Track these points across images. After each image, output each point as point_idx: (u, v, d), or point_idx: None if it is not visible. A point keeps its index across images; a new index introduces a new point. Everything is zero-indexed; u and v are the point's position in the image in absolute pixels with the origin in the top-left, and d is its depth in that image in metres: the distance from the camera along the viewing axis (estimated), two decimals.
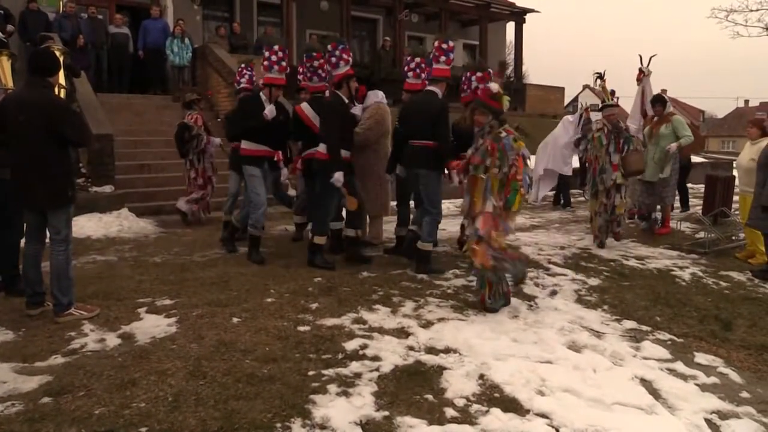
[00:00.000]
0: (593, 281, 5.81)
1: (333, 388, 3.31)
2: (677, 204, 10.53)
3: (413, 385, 3.39)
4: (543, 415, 3.15)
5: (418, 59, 6.34)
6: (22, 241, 4.58)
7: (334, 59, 5.93)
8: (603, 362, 3.84)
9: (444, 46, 5.90)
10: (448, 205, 9.06)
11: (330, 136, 5.70)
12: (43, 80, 4.26)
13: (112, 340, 3.95)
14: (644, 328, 4.58)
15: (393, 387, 3.36)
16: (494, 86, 4.78)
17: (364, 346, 3.90)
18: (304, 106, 6.28)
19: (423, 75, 6.41)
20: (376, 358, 3.73)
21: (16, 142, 4.15)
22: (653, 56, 8.64)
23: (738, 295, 5.58)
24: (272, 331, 4.11)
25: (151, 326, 4.19)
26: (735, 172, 8.68)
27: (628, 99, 10.56)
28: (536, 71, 61.59)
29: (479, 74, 6.28)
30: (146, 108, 12.10)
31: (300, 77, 7.04)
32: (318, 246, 5.90)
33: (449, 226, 8.07)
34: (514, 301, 5.01)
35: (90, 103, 9.30)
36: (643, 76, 8.67)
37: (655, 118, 8.16)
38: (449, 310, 4.67)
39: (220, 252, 6.55)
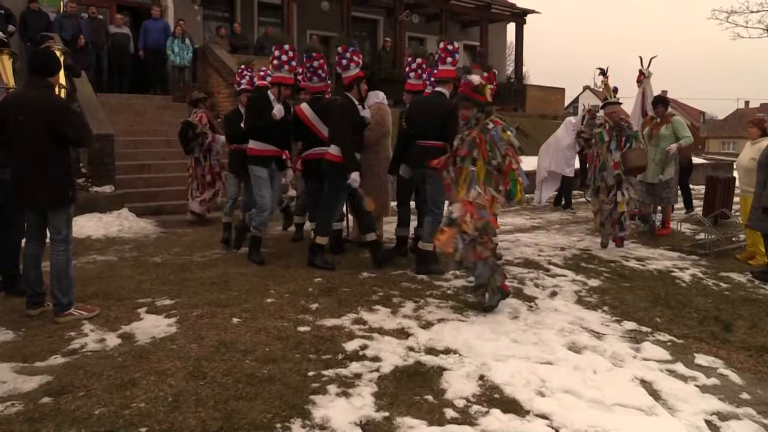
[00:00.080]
0: (593, 282, 5.81)
1: (333, 388, 3.31)
2: (681, 205, 10.54)
3: (413, 386, 3.39)
4: (543, 416, 3.14)
5: (419, 60, 6.35)
6: (23, 242, 4.58)
7: (344, 61, 5.94)
8: (603, 363, 3.84)
9: (449, 47, 5.95)
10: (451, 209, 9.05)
11: (343, 138, 5.70)
12: (44, 80, 4.26)
13: (112, 340, 3.95)
14: (644, 329, 4.58)
15: (393, 388, 3.36)
16: (475, 78, 4.73)
17: (364, 347, 3.90)
18: (304, 107, 6.28)
19: (424, 75, 6.42)
20: (376, 359, 3.73)
21: (16, 142, 4.15)
22: (653, 58, 8.65)
23: (738, 296, 5.58)
24: (272, 332, 4.10)
25: (151, 326, 4.19)
26: (735, 173, 8.69)
27: (628, 100, 10.56)
28: (537, 72, 61.66)
29: (484, 74, 6.29)
30: (146, 108, 12.10)
31: (300, 77, 7.05)
32: (319, 246, 5.90)
33: None
34: (514, 302, 5.01)
35: (90, 103, 9.30)
36: (643, 77, 8.68)
37: (654, 120, 8.16)
38: (449, 310, 4.67)
39: (220, 252, 6.55)
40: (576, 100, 51.20)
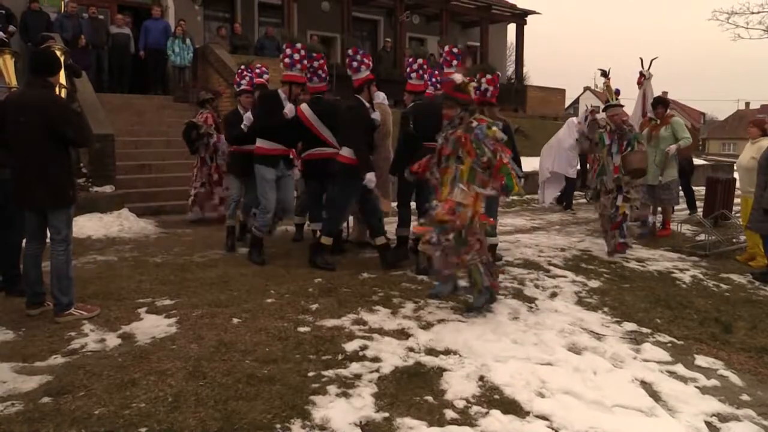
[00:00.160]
0: (593, 283, 5.81)
1: (333, 389, 3.31)
2: (684, 206, 10.54)
3: (413, 387, 3.39)
4: (543, 417, 3.14)
5: (420, 60, 6.36)
6: (23, 242, 4.58)
7: (355, 63, 5.96)
8: (603, 364, 3.83)
9: (454, 50, 6.02)
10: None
11: (357, 140, 5.71)
12: (44, 80, 4.26)
13: (112, 340, 3.95)
14: (644, 330, 4.58)
15: (393, 388, 3.36)
16: (457, 77, 4.68)
17: (364, 347, 3.90)
18: (304, 107, 6.28)
19: (426, 76, 6.42)
20: (376, 359, 3.73)
21: (16, 142, 4.15)
22: (654, 59, 8.65)
23: (738, 297, 5.58)
24: (272, 332, 4.10)
25: (151, 326, 4.19)
26: (736, 174, 8.69)
27: (629, 101, 10.55)
28: (537, 73, 61.70)
29: (488, 76, 6.30)
30: (147, 108, 12.11)
31: None
32: (322, 246, 5.90)
33: None
34: (514, 302, 5.01)
35: (91, 103, 9.31)
36: (644, 79, 8.67)
37: (653, 121, 8.15)
38: (449, 311, 4.66)
39: (221, 252, 6.55)
40: (576, 101, 51.23)
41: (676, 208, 9.45)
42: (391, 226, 7.20)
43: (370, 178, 5.59)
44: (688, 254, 7.25)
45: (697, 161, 13.99)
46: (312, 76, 6.52)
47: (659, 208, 8.42)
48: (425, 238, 4.57)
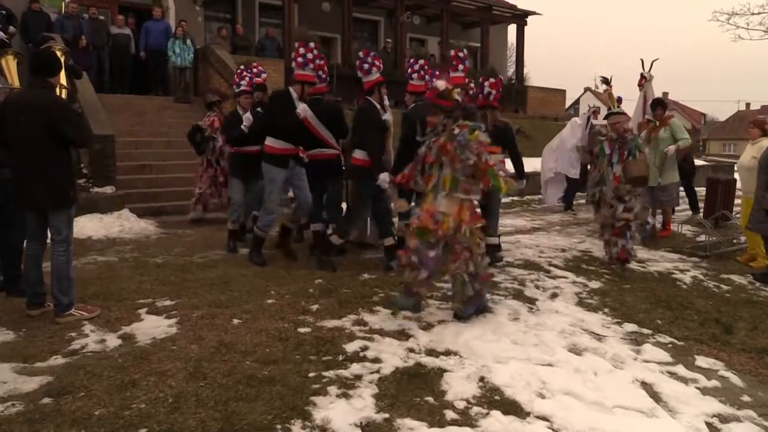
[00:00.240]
0: (594, 284, 5.81)
1: (333, 389, 3.31)
2: (685, 207, 10.54)
3: (413, 387, 3.39)
4: (543, 418, 3.14)
5: (421, 61, 6.36)
6: (24, 242, 4.58)
7: (366, 65, 5.96)
8: (604, 365, 3.83)
9: (460, 54, 6.06)
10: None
11: (369, 142, 5.71)
12: (45, 81, 4.27)
13: (113, 340, 3.95)
14: (645, 331, 4.58)
15: (393, 389, 3.36)
16: (440, 84, 4.63)
17: (365, 348, 3.90)
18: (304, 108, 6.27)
19: (427, 77, 6.43)
20: (376, 360, 3.73)
21: (16, 142, 4.15)
22: (655, 61, 8.64)
23: (739, 298, 5.57)
24: (273, 333, 4.10)
25: (152, 327, 4.19)
26: (736, 175, 8.68)
27: (629, 102, 10.54)
28: (537, 73, 61.64)
29: (491, 80, 6.34)
30: (147, 109, 12.10)
31: None
32: (331, 245, 5.90)
33: None
34: (514, 303, 5.01)
35: (91, 104, 9.31)
36: (644, 81, 8.65)
37: (651, 123, 8.14)
38: (450, 312, 4.65)
39: (221, 253, 6.55)
40: (577, 102, 51.27)
41: (677, 208, 9.45)
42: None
43: (384, 178, 5.59)
44: (689, 255, 7.25)
45: (697, 162, 13.98)
46: None
47: (659, 210, 8.41)
48: (404, 260, 4.45)
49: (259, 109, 6.52)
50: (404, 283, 4.53)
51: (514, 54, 22.01)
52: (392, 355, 3.80)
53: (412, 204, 6.44)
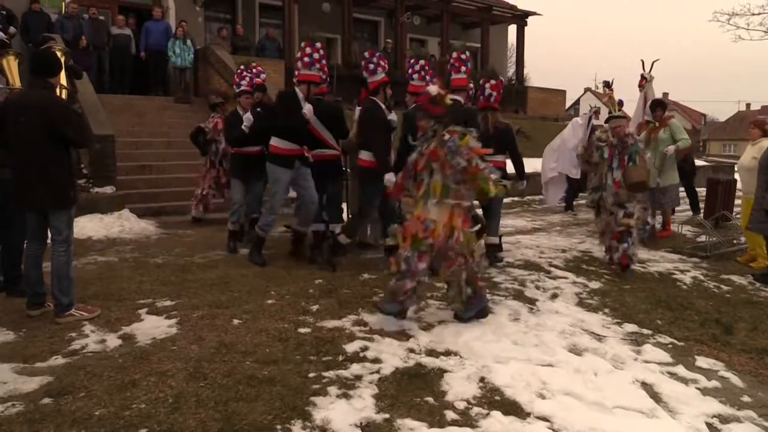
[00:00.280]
0: (594, 284, 5.81)
1: (333, 390, 3.31)
2: (686, 207, 10.53)
3: (414, 388, 3.39)
4: (544, 419, 3.14)
5: (422, 61, 6.37)
6: (24, 242, 4.58)
7: (371, 66, 5.97)
8: (604, 365, 3.83)
9: (463, 56, 6.08)
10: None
11: (374, 143, 5.72)
12: (45, 81, 4.27)
13: (113, 341, 3.95)
14: (645, 331, 4.58)
15: (393, 389, 3.36)
16: (433, 89, 4.59)
17: (365, 348, 3.90)
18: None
19: (428, 77, 6.44)
20: (376, 361, 3.73)
21: (16, 142, 4.16)
22: (655, 61, 8.62)
23: (739, 298, 5.57)
24: (273, 333, 4.10)
25: (152, 327, 4.19)
26: (737, 176, 8.67)
27: (630, 103, 10.54)
28: (538, 74, 61.74)
29: (492, 82, 6.36)
30: (148, 109, 12.11)
31: (295, 80, 7.02)
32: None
33: None
34: (515, 303, 5.01)
35: (92, 104, 9.31)
36: (645, 82, 8.64)
37: (650, 124, 8.13)
38: (450, 312, 4.65)
39: (221, 253, 6.55)
40: (577, 102, 51.24)
41: (677, 209, 9.44)
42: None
43: (389, 178, 5.59)
44: (689, 255, 7.25)
45: (697, 162, 13.97)
46: None
47: (658, 210, 8.41)
48: (392, 269, 4.37)
49: (258, 109, 6.51)
50: (389, 292, 4.36)
51: (515, 54, 22.02)
52: (392, 356, 3.80)
53: None
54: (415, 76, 6.38)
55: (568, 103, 33.89)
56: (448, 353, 3.91)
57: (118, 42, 12.97)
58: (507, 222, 9.43)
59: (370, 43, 19.29)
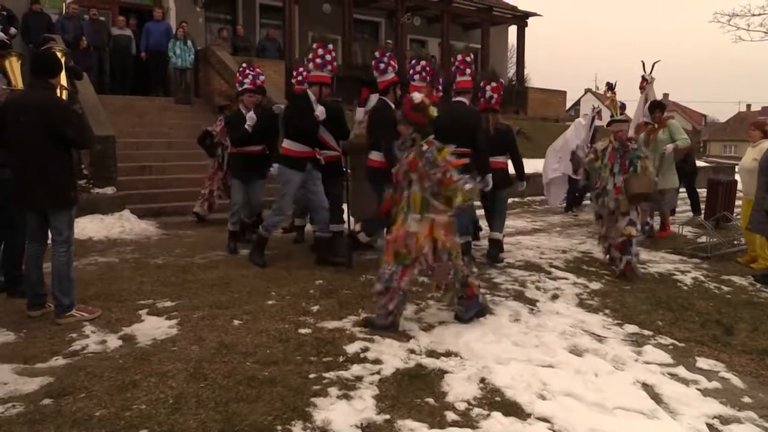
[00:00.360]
0: (595, 285, 5.81)
1: (334, 391, 3.31)
2: (687, 208, 10.52)
3: (414, 389, 3.39)
4: (544, 419, 3.14)
5: (423, 62, 6.36)
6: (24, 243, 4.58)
7: (382, 65, 5.97)
8: (604, 366, 3.83)
9: (467, 59, 6.07)
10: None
11: (386, 143, 5.71)
12: (45, 82, 4.27)
13: (113, 341, 3.95)
14: (646, 332, 4.57)
15: (394, 390, 3.36)
16: (417, 96, 4.50)
17: (366, 349, 3.90)
18: None
19: (428, 78, 6.44)
20: (377, 361, 3.72)
21: (16, 142, 4.16)
22: (656, 63, 8.62)
23: (740, 299, 5.57)
24: (273, 334, 4.10)
25: (152, 328, 4.19)
26: (737, 177, 8.66)
27: (630, 104, 10.54)
28: (538, 75, 61.78)
29: (493, 84, 6.38)
30: (148, 110, 12.11)
31: (294, 81, 7.03)
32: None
33: None
34: (515, 304, 5.01)
35: (92, 105, 9.32)
36: (646, 83, 8.64)
37: (649, 125, 8.13)
38: (450, 313, 4.65)
39: (222, 254, 6.55)
40: (577, 103, 51.26)
41: (677, 210, 9.44)
42: None
43: None
44: (690, 256, 7.25)
45: (698, 163, 13.97)
46: None
47: (656, 212, 8.40)
48: (377, 289, 4.31)
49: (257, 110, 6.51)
50: (378, 309, 4.33)
51: (515, 55, 22.04)
52: (393, 357, 3.80)
53: None
54: (417, 77, 6.38)
55: (569, 104, 33.89)
56: (448, 354, 3.90)
57: (119, 43, 12.97)
58: (507, 222, 9.33)
59: (371, 44, 19.29)
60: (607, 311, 5.03)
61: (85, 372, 3.43)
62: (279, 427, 2.91)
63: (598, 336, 4.41)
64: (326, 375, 3.50)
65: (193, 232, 7.86)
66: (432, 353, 3.90)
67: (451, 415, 3.12)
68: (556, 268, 6.41)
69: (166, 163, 10.19)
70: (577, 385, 3.53)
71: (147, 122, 11.59)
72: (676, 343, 4.39)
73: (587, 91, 54.33)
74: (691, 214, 10.40)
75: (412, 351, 3.92)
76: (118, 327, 4.20)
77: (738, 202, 9.08)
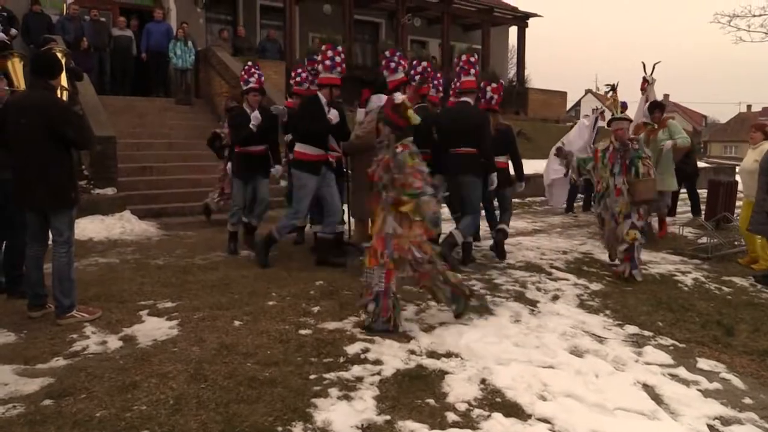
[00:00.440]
0: (595, 286, 5.80)
1: (334, 391, 3.31)
2: (687, 209, 10.52)
3: (415, 390, 3.39)
4: (545, 420, 3.14)
5: (424, 63, 6.37)
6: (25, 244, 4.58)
7: (392, 65, 5.96)
8: (605, 367, 3.83)
9: (471, 59, 6.12)
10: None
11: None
12: (46, 82, 4.27)
13: (114, 342, 3.95)
14: (646, 333, 4.57)
15: (394, 391, 3.36)
16: (398, 97, 4.44)
17: (366, 350, 3.90)
18: None
19: (429, 78, 6.45)
20: (377, 362, 3.72)
21: (17, 142, 4.16)
22: (657, 64, 8.62)
23: (740, 300, 5.57)
24: (274, 335, 4.10)
25: (153, 329, 4.19)
26: (738, 177, 8.66)
27: (631, 105, 10.55)
28: (538, 75, 61.79)
29: (494, 85, 6.40)
30: (149, 110, 12.13)
31: (292, 81, 7.02)
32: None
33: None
34: (516, 305, 5.01)
35: (93, 106, 9.32)
36: (647, 84, 8.64)
37: (649, 125, 8.13)
38: (451, 314, 4.65)
39: (222, 255, 6.55)
40: (578, 104, 51.27)
41: (678, 210, 9.44)
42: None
43: None
44: (690, 257, 7.24)
45: (699, 164, 13.97)
46: (314, 79, 6.51)
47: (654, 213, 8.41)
48: (363, 301, 4.32)
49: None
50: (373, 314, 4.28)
51: (515, 56, 22.05)
52: (393, 357, 3.80)
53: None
54: (418, 77, 6.38)
55: (569, 105, 33.92)
56: (449, 355, 3.90)
57: (119, 43, 12.98)
58: None
59: (371, 44, 19.30)
60: (607, 312, 5.03)
61: (85, 373, 3.43)
62: (279, 428, 2.91)
63: (599, 337, 4.41)
64: (327, 376, 3.50)
65: (194, 233, 7.87)
66: (432, 354, 3.90)
67: (451, 416, 3.11)
68: (557, 269, 6.41)
69: (166, 164, 10.20)
70: (578, 385, 3.53)
71: (147, 123, 11.61)
72: (677, 343, 4.39)
73: (588, 91, 54.41)
74: (691, 215, 10.40)
75: (412, 352, 3.92)
76: (118, 328, 4.20)
77: (738, 203, 9.08)
